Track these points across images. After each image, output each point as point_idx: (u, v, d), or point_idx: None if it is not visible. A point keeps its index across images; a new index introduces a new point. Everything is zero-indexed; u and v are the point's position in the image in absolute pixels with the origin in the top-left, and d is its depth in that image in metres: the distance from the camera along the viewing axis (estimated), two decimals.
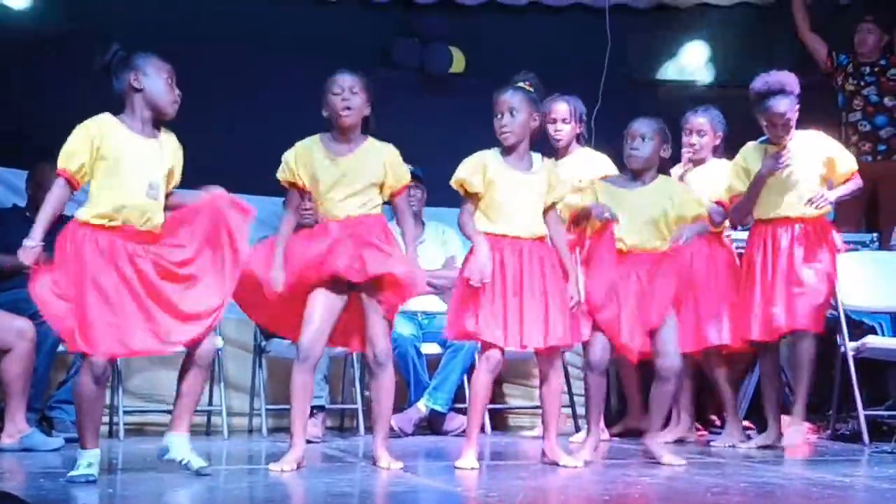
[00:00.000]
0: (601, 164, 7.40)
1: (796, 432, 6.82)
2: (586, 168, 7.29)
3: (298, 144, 5.98)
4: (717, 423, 7.70)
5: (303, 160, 5.94)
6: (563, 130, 7.49)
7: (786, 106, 6.74)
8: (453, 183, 5.96)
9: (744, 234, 7.29)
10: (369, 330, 5.87)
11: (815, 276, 6.76)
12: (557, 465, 5.88)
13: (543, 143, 7.68)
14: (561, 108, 7.52)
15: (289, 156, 5.97)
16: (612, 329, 6.07)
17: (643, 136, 6.24)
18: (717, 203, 6.99)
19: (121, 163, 5.33)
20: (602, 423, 7.47)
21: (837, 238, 6.91)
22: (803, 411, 6.88)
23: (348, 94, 5.94)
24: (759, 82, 6.80)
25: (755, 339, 6.84)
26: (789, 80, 6.80)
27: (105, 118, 5.40)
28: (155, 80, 5.45)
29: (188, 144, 8.45)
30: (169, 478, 5.43)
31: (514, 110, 5.94)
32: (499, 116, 5.98)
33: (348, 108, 5.92)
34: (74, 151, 5.33)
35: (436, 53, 9.06)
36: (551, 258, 5.92)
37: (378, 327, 5.85)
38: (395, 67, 9.00)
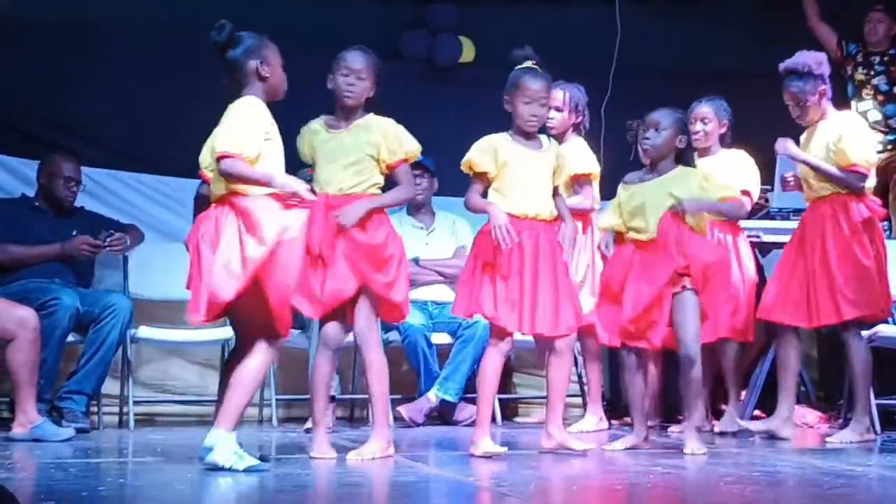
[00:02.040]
0: (588, 159, 7.42)
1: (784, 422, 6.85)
2: (574, 161, 7.29)
3: (304, 126, 6.04)
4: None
5: (307, 140, 6.00)
6: (556, 118, 7.49)
7: (798, 87, 6.70)
8: (463, 166, 5.98)
9: (757, 223, 7.32)
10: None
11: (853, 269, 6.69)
12: (567, 449, 5.90)
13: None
14: (555, 95, 7.52)
15: (298, 139, 6.01)
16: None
17: (657, 125, 6.23)
18: (743, 193, 6.95)
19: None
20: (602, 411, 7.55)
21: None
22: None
23: (354, 78, 5.97)
24: (786, 61, 6.75)
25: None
26: (812, 60, 6.73)
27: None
28: (277, 70, 5.54)
29: (197, 136, 8.52)
30: (178, 468, 5.43)
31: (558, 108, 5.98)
32: (544, 108, 6.04)
33: (351, 91, 5.95)
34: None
35: (445, 44, 9.05)
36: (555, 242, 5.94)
37: (361, 308, 5.81)
38: (404, 58, 8.98)
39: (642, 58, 9.07)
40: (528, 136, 6.00)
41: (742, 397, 7.52)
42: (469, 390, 7.92)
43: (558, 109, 7.50)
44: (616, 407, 8.27)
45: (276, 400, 7.88)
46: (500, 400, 7.99)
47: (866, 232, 6.65)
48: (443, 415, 7.81)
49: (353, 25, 8.81)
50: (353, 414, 8.45)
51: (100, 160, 8.37)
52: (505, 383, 8.51)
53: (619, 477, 5.25)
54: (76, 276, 7.67)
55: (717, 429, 7.15)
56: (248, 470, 5.15)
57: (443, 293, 8.17)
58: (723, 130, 7.30)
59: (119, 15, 8.47)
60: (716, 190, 6.26)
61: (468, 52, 9.07)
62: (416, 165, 8.24)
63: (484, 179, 5.98)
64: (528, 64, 6.11)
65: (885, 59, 8.64)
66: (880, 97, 8.64)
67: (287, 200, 5.24)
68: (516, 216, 5.86)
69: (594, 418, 7.51)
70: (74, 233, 7.67)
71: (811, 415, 7.64)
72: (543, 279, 5.82)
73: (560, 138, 7.38)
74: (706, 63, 8.93)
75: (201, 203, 5.91)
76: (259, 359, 5.26)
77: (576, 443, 5.98)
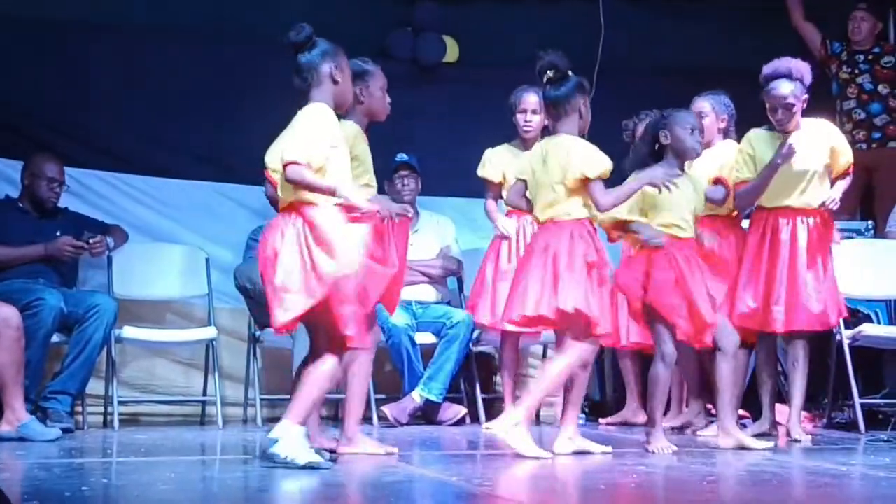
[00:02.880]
0: None
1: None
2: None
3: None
4: (713, 411, 7.67)
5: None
6: (533, 121, 7.55)
7: (788, 90, 6.71)
8: (604, 173, 5.89)
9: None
10: None
11: (815, 279, 6.73)
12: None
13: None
14: (531, 98, 7.55)
15: None
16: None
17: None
18: (717, 181, 6.96)
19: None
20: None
21: (836, 233, 6.90)
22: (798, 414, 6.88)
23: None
24: (769, 66, 6.78)
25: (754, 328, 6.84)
26: (797, 65, 6.77)
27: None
28: (346, 79, 5.56)
29: (184, 135, 8.52)
30: (163, 468, 5.42)
31: None
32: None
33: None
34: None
35: (429, 43, 9.04)
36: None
37: None
38: (388, 57, 8.96)
39: (626, 56, 9.07)
40: None
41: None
42: (453, 390, 7.93)
43: (535, 112, 7.55)
44: (601, 407, 8.30)
45: (261, 400, 7.86)
46: (483, 399, 8.02)
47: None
48: (427, 414, 7.81)
49: (337, 25, 8.78)
50: (338, 413, 8.43)
51: (84, 161, 8.34)
52: (488, 383, 8.53)
53: (604, 476, 5.25)
54: (60, 277, 7.66)
55: (706, 432, 7.12)
56: (306, 466, 5.16)
57: (427, 293, 8.18)
58: (722, 124, 7.26)
59: (104, 14, 8.45)
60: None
61: (452, 52, 9.07)
62: (403, 165, 8.29)
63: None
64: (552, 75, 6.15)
65: (870, 57, 8.65)
66: (865, 96, 8.64)
67: (352, 213, 5.31)
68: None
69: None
70: (58, 234, 7.66)
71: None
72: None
73: (533, 141, 7.40)
74: (691, 60, 8.93)
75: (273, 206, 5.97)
76: (331, 363, 5.32)
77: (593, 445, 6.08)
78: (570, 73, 6.06)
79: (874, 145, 8.61)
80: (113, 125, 8.45)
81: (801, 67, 6.79)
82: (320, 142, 5.30)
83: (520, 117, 7.64)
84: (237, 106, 8.54)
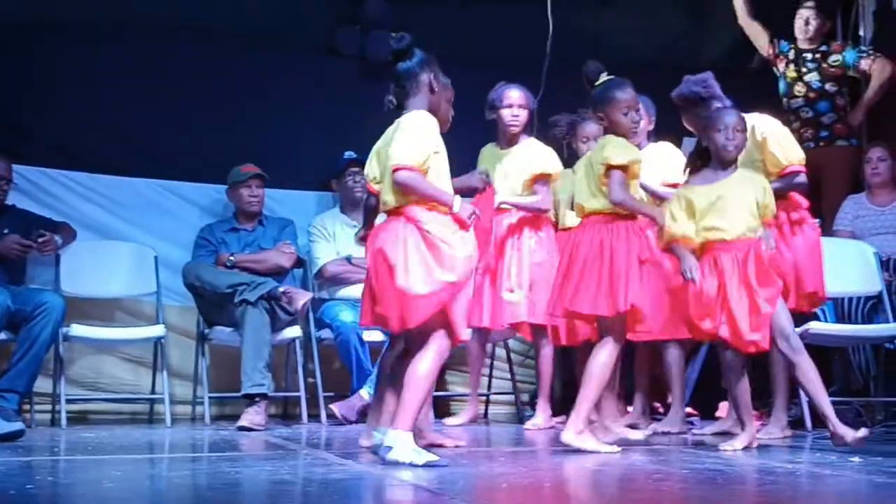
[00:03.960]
0: (552, 159, 7.47)
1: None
2: (539, 161, 7.37)
3: None
4: (660, 409, 7.73)
5: None
6: (521, 116, 7.56)
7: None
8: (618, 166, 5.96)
9: None
10: None
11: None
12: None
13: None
14: (515, 94, 7.57)
15: None
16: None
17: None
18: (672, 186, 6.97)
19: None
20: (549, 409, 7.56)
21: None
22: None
23: None
24: (696, 87, 6.69)
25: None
26: (713, 82, 6.72)
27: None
28: (441, 88, 5.68)
29: (133, 133, 8.49)
30: (110, 466, 5.40)
31: None
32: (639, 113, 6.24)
33: None
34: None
35: (378, 41, 9.01)
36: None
37: None
38: (337, 55, 8.97)
39: (575, 54, 9.05)
40: None
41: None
42: None
43: (522, 107, 7.56)
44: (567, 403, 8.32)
45: (209, 398, 7.84)
46: (433, 397, 8.01)
47: None
48: None
49: (286, 22, 8.80)
50: (287, 411, 8.44)
51: (32, 158, 8.31)
52: (438, 381, 8.52)
53: (550, 474, 5.27)
54: (7, 274, 7.63)
55: (659, 429, 7.16)
56: (427, 465, 5.25)
57: None
58: (650, 127, 7.34)
59: (52, 13, 8.39)
60: None
61: None
62: (353, 163, 8.31)
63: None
64: (606, 76, 6.23)
65: (817, 56, 8.68)
66: (812, 94, 8.68)
67: (462, 222, 5.43)
68: None
69: (544, 415, 7.55)
70: (6, 231, 7.63)
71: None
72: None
73: (516, 137, 7.43)
74: (638, 59, 8.94)
75: (368, 214, 6.06)
76: (435, 360, 5.42)
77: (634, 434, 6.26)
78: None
79: (822, 143, 8.65)
80: (61, 123, 8.41)
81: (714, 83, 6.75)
82: (427, 147, 5.44)
83: (506, 112, 7.63)
84: (188, 104, 8.54)
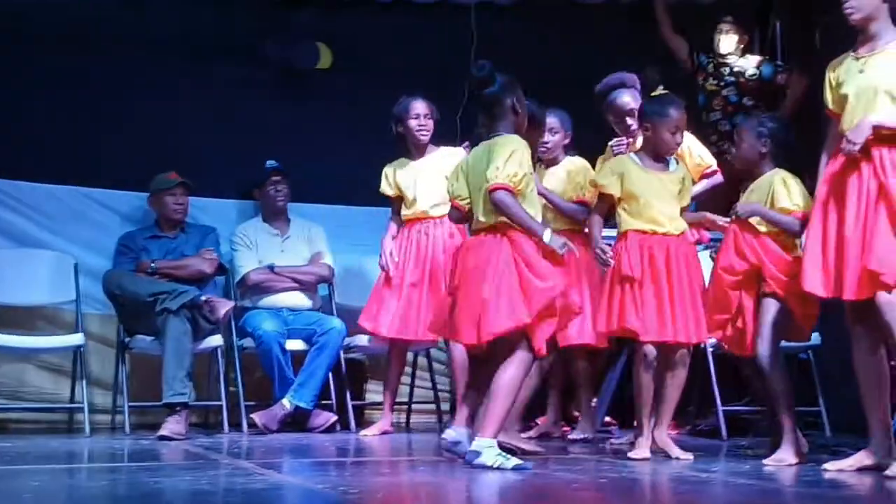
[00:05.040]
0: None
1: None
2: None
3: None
4: (579, 417, 7.78)
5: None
6: (427, 125, 7.67)
7: (629, 97, 6.96)
8: (587, 187, 6.26)
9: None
10: None
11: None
12: (669, 457, 6.13)
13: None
14: (420, 105, 7.64)
15: None
16: None
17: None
18: (579, 201, 7.08)
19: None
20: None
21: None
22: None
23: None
24: (600, 84, 7.07)
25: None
26: (628, 76, 7.05)
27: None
28: (524, 108, 5.92)
29: (52, 140, 8.42)
30: (28, 476, 5.37)
31: None
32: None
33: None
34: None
35: (303, 49, 9.02)
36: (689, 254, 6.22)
37: None
38: (262, 63, 8.95)
39: (497, 66, 9.10)
40: (658, 158, 6.29)
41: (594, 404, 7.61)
42: (323, 397, 7.94)
43: (427, 117, 7.59)
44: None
45: (129, 407, 7.78)
46: (353, 406, 8.04)
47: None
48: (297, 421, 7.80)
49: (211, 29, 8.77)
50: (208, 420, 8.41)
51: None
52: (357, 391, 8.54)
53: (465, 483, 5.29)
54: None
55: (570, 436, 7.23)
56: (515, 468, 5.46)
57: (299, 300, 8.18)
58: (566, 141, 7.40)
59: None
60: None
61: (326, 59, 9.05)
62: (276, 172, 8.32)
63: (609, 200, 6.27)
64: (662, 90, 6.40)
65: (735, 70, 8.79)
66: (730, 108, 8.76)
67: (553, 254, 5.66)
68: (646, 232, 6.17)
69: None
70: None
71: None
72: (680, 289, 6.13)
73: (426, 148, 7.47)
74: (560, 71, 9.01)
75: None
76: (521, 369, 5.63)
77: (676, 450, 6.20)
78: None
79: None
80: None
81: (633, 77, 7.06)
82: (522, 168, 5.69)
83: (413, 123, 7.67)
84: (109, 111, 8.48)
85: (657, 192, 6.22)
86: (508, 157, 5.68)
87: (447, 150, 7.71)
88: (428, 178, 7.60)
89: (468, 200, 5.85)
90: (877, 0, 5.49)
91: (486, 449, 5.52)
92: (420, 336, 7.53)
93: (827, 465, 5.59)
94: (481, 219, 5.76)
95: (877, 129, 5.39)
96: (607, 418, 7.76)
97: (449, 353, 7.55)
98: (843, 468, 5.51)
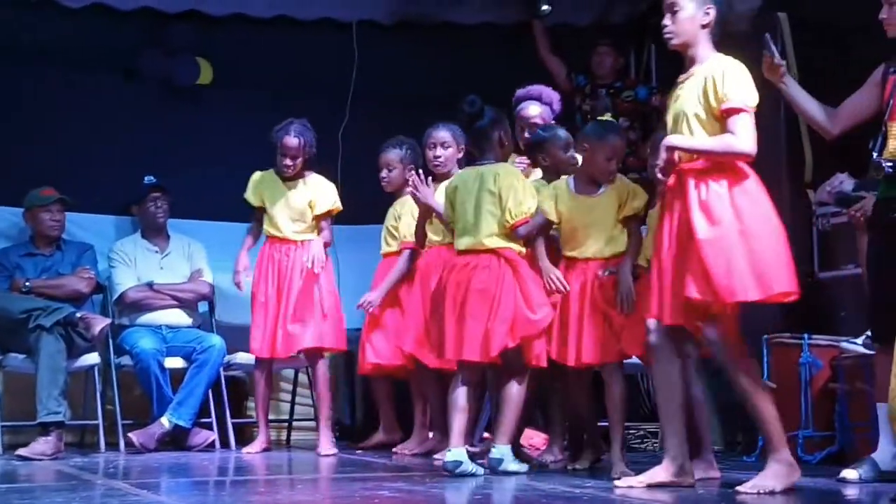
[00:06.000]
0: (333, 195, 7.71)
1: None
2: (322, 199, 7.58)
3: None
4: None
5: None
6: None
7: (536, 111, 7.10)
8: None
9: None
10: None
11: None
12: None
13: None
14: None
15: None
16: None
17: None
18: None
19: None
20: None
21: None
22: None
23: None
24: (521, 90, 7.22)
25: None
26: (548, 92, 7.21)
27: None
28: (509, 140, 6.46)
29: None
30: None
31: None
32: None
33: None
34: None
35: (183, 65, 8.96)
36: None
37: None
38: (140, 78, 8.89)
39: (379, 84, 9.15)
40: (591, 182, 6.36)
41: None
42: (203, 415, 7.89)
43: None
44: (352, 431, 8.39)
45: (3, 426, 7.66)
46: (233, 424, 8.01)
47: None
48: (176, 440, 7.76)
49: (88, 42, 8.68)
50: (84, 440, 8.30)
51: None
52: (240, 408, 8.51)
53: (347, 501, 5.30)
54: None
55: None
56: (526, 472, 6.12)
57: (178, 317, 8.13)
58: (460, 155, 7.43)
59: None
60: None
61: (206, 74, 9.00)
62: (154, 188, 8.26)
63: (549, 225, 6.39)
64: (609, 117, 6.73)
65: (611, 91, 8.90)
66: None
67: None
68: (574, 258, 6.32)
69: (326, 440, 7.58)
70: None
71: (538, 437, 7.74)
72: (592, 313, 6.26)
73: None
74: (442, 89, 9.03)
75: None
76: (524, 381, 6.17)
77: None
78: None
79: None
80: None
81: (552, 94, 7.21)
82: (534, 199, 6.23)
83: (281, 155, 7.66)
84: None
85: (582, 217, 6.28)
86: (522, 190, 6.18)
87: (317, 177, 7.71)
88: (294, 203, 7.60)
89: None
90: (695, 26, 5.56)
91: (508, 455, 6.11)
92: (281, 353, 7.54)
93: (617, 482, 5.69)
94: (484, 241, 6.17)
95: (671, 150, 5.48)
96: (486, 434, 7.77)
97: (313, 372, 7.62)
98: (634, 484, 5.58)
